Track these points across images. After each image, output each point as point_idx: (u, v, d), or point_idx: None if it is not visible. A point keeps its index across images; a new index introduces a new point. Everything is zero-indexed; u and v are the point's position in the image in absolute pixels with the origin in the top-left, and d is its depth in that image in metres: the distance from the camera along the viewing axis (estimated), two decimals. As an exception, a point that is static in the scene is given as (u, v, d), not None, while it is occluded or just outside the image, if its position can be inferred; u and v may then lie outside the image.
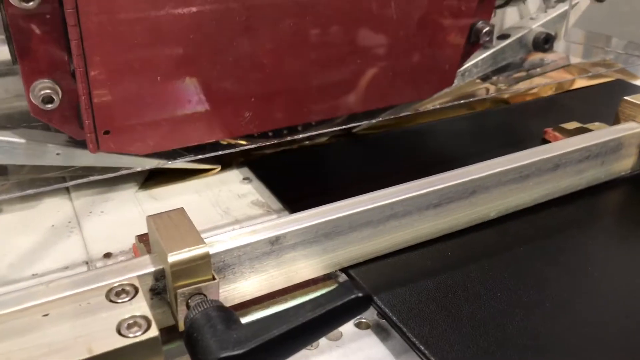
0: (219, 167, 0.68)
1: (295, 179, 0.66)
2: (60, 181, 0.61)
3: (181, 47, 0.52)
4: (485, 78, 0.93)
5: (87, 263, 0.53)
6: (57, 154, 0.59)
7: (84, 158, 0.59)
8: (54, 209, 0.61)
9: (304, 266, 0.48)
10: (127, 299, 0.38)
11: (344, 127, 0.70)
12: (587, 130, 0.68)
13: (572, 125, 0.74)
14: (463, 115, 0.85)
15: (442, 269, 0.51)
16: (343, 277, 0.51)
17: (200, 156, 0.60)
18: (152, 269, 0.41)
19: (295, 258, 0.48)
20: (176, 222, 0.43)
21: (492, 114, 0.86)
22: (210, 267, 0.41)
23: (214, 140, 0.61)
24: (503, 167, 0.56)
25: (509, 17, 0.99)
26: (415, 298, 0.47)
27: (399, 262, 0.52)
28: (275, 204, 0.62)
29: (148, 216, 0.43)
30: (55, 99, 0.50)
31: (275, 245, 0.46)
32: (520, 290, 0.48)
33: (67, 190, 0.64)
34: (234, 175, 0.68)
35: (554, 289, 0.48)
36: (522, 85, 0.93)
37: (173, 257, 0.39)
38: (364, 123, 0.73)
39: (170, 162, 0.61)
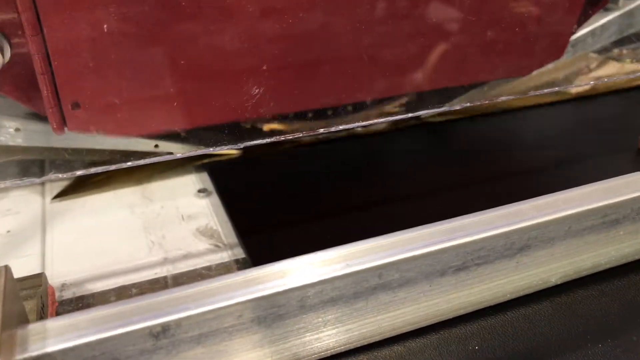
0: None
1: (267, 198, 0.46)
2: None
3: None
4: (602, 51, 0.65)
5: None
6: (17, 129, 0.42)
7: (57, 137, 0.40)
8: None
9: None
10: None
11: (404, 116, 0.47)
12: None
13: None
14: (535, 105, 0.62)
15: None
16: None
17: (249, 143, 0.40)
18: None
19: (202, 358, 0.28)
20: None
21: (579, 105, 0.63)
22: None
23: (225, 121, 0.40)
24: (574, 209, 0.34)
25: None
26: None
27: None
28: (232, 235, 0.42)
29: None
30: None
31: (161, 340, 0.27)
32: None
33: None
34: (189, 183, 0.49)
35: None
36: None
37: None
38: (424, 112, 0.49)
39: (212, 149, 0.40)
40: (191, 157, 0.51)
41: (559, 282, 0.36)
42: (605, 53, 0.64)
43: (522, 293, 0.36)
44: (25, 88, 0.35)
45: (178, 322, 0.27)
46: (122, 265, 0.40)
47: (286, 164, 0.52)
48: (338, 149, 0.54)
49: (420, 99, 0.47)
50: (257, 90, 0.38)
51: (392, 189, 0.47)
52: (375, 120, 0.47)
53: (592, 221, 0.35)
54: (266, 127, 0.45)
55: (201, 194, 0.48)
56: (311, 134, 0.46)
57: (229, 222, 0.44)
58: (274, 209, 0.45)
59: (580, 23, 0.49)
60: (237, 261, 0.41)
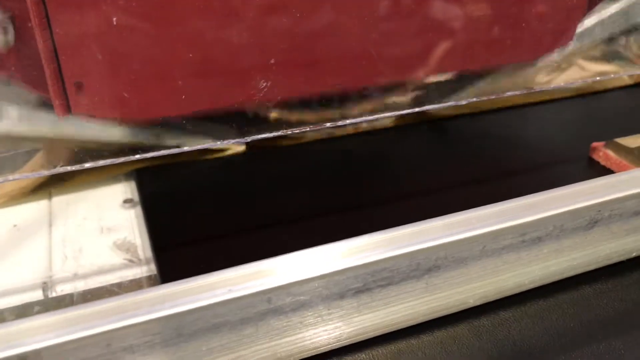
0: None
1: (196, 209, 0.45)
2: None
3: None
4: (609, 41, 0.62)
5: None
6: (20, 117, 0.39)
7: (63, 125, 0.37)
8: None
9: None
10: None
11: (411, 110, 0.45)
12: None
13: (634, 139, 0.48)
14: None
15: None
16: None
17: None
18: None
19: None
20: None
21: (536, 109, 0.61)
22: None
23: (233, 105, 0.39)
24: (489, 227, 0.32)
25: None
26: None
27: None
28: (149, 249, 0.41)
29: None
30: (3, 39, 0.31)
31: (17, 373, 0.25)
32: None
33: None
34: (118, 192, 0.47)
35: None
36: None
37: None
38: (429, 107, 0.47)
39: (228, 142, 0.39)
40: (124, 163, 0.49)
41: (477, 304, 0.34)
42: (613, 42, 0.61)
43: (436, 315, 0.34)
44: (30, 70, 0.33)
45: (37, 353, 0.25)
46: (27, 282, 0.38)
47: (226, 170, 0.50)
48: (290, 153, 0.52)
49: (423, 90, 0.45)
50: (264, 81, 0.37)
51: (336, 199, 0.45)
52: (382, 115, 0.45)
53: (511, 240, 0.33)
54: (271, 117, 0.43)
55: (126, 205, 0.46)
56: (316, 128, 0.43)
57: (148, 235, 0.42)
58: (199, 221, 0.43)
59: (590, 7, 0.47)
60: (149, 277, 0.39)
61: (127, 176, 0.49)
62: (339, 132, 0.55)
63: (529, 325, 0.34)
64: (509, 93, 0.47)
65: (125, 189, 0.48)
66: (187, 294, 0.28)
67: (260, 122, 0.41)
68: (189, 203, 0.45)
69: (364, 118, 0.43)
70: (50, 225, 0.44)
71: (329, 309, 0.30)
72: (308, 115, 0.43)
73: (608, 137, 0.51)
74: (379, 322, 0.32)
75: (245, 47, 0.36)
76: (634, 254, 0.38)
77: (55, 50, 0.32)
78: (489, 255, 0.33)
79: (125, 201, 0.46)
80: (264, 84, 0.37)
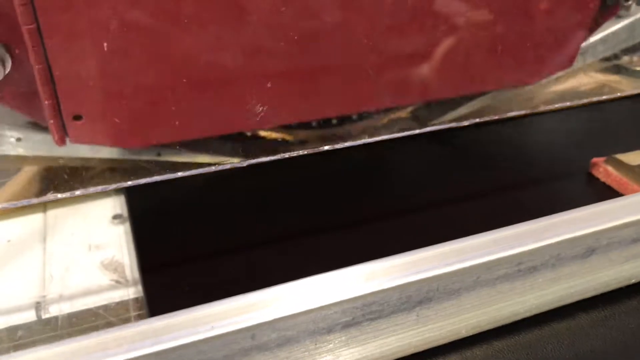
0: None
1: (186, 228, 0.44)
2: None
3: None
4: (610, 59, 0.61)
5: None
6: (18, 139, 0.39)
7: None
8: None
9: None
10: None
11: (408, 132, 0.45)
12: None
13: (635, 156, 0.47)
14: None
15: None
16: None
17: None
18: None
19: None
20: None
21: (535, 121, 0.60)
22: None
23: (233, 131, 0.40)
24: (483, 258, 0.31)
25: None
26: None
27: None
28: (137, 269, 0.40)
29: None
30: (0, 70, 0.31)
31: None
32: None
33: None
34: (107, 207, 0.46)
35: None
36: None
37: None
38: (431, 129, 0.46)
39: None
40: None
41: (470, 334, 0.34)
42: (615, 60, 0.59)
43: (427, 346, 0.33)
44: (27, 99, 0.34)
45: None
46: (11, 304, 0.37)
47: (221, 184, 0.49)
48: (288, 164, 0.51)
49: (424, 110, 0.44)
50: (260, 106, 0.37)
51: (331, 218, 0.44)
52: (383, 137, 0.44)
53: (506, 270, 0.32)
54: (269, 136, 0.43)
55: (116, 220, 0.45)
56: (314, 150, 0.43)
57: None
58: (189, 240, 0.42)
59: (592, 30, 0.47)
60: (136, 300, 0.38)
61: (118, 190, 0.48)
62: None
63: (523, 357, 0.33)
64: (512, 113, 0.46)
65: (115, 204, 0.47)
66: (169, 330, 0.27)
67: (258, 146, 0.41)
68: (180, 219, 0.45)
69: (363, 140, 0.42)
70: (44, 241, 0.43)
71: (316, 344, 0.29)
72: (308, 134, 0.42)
73: (610, 150, 0.50)
74: (369, 355, 0.31)
75: (241, 77, 0.35)
76: (632, 281, 0.37)
77: (54, 86, 0.32)
78: (482, 285, 0.32)
79: (115, 217, 0.45)
80: (260, 110, 0.36)
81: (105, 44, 0.31)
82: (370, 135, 0.43)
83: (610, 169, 0.48)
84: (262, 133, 0.42)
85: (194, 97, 0.35)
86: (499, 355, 0.33)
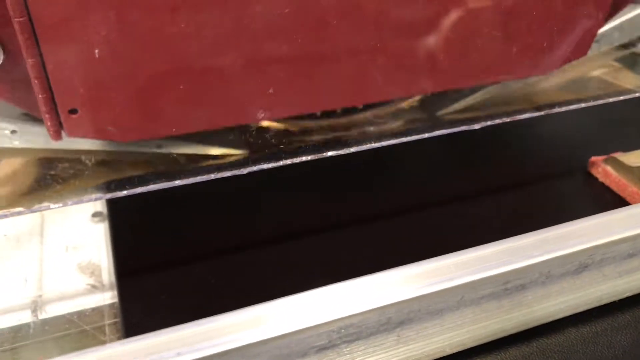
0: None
1: (163, 227, 0.42)
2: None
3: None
4: (626, 46, 0.57)
5: None
6: (13, 131, 0.38)
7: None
8: None
9: None
10: None
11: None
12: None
13: (636, 156, 0.45)
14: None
15: None
16: None
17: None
18: None
19: None
20: None
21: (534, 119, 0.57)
22: None
23: (234, 124, 0.38)
24: (467, 278, 0.29)
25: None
26: None
27: None
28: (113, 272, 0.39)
29: None
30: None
31: None
32: None
33: None
34: (87, 204, 0.45)
35: None
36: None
37: None
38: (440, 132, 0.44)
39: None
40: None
41: (455, 351, 0.32)
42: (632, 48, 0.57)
43: (404, 368, 0.31)
44: (21, 90, 0.32)
45: None
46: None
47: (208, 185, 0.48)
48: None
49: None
50: (265, 96, 0.35)
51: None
52: (390, 142, 0.42)
53: (491, 289, 0.31)
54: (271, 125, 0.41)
55: (96, 219, 0.44)
56: (318, 156, 0.41)
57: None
58: (170, 242, 0.41)
59: (608, 16, 0.44)
60: (111, 306, 0.37)
61: (99, 185, 0.47)
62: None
63: (508, 376, 0.32)
64: (526, 115, 0.44)
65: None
66: (132, 356, 0.25)
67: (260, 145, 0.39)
68: (161, 220, 0.43)
69: (368, 146, 0.41)
70: (19, 240, 0.42)
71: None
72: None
73: (611, 148, 0.48)
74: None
75: (245, 65, 0.33)
76: (626, 294, 0.36)
77: (47, 79, 0.30)
78: (467, 305, 0.30)
79: (95, 215, 0.44)
80: (265, 100, 0.35)
81: (99, 35, 0.30)
82: (377, 140, 0.41)
83: (609, 169, 0.46)
84: (266, 124, 0.41)
85: (195, 86, 0.33)
86: (482, 374, 0.32)
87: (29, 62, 0.30)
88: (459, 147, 0.51)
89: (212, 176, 0.38)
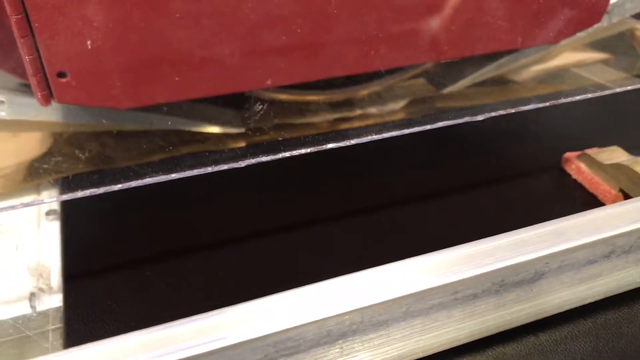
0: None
1: (118, 229, 0.41)
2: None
3: None
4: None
5: None
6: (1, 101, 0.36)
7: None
8: None
9: None
10: None
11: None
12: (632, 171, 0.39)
13: (609, 153, 0.44)
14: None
15: None
16: None
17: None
18: None
19: None
20: None
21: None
22: None
23: (235, 91, 0.35)
24: (411, 289, 0.28)
25: None
26: None
27: None
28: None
29: None
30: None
31: None
32: None
33: None
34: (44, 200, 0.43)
35: None
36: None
37: None
38: (443, 124, 0.42)
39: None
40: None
41: (413, 362, 0.31)
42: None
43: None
44: (9, 53, 0.31)
45: None
46: None
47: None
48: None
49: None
50: (266, 61, 0.33)
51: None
52: (391, 133, 0.41)
53: (440, 299, 0.29)
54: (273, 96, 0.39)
55: (50, 217, 0.42)
56: (317, 149, 0.39)
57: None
58: (122, 245, 0.40)
59: None
60: (57, 310, 0.36)
61: (55, 181, 0.45)
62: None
63: (458, 387, 0.31)
64: (531, 106, 0.42)
65: (52, 196, 0.44)
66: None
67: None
68: (117, 221, 0.42)
69: (369, 138, 0.39)
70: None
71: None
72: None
73: (586, 144, 0.46)
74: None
75: (246, 27, 0.31)
76: (588, 301, 0.34)
77: (34, 39, 0.28)
78: (414, 315, 0.29)
79: (49, 213, 0.43)
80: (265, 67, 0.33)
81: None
82: (377, 132, 0.40)
83: (582, 166, 0.45)
84: (268, 94, 0.39)
85: (194, 48, 0.31)
86: (432, 385, 0.31)
87: (14, 19, 0.27)
88: (437, 136, 0.50)
89: (209, 169, 0.36)
